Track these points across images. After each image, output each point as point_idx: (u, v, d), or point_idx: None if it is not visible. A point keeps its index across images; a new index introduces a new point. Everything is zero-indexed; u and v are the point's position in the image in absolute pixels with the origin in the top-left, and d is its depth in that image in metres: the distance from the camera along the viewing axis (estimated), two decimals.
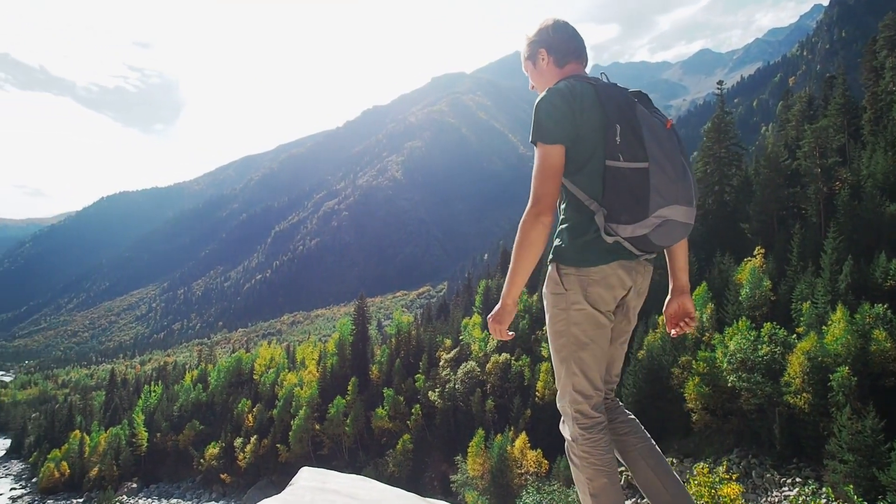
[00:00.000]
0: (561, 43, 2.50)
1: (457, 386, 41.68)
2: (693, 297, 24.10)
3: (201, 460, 53.31)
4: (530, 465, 32.63)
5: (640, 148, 2.17)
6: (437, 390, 42.46)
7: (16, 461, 71.94)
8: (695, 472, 15.12)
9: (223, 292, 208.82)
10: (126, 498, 52.57)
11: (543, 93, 2.35)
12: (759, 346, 27.51)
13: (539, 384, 35.93)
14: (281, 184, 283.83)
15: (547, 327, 2.45)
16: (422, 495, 3.35)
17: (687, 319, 2.63)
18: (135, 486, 55.36)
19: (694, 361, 29.09)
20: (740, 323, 28.75)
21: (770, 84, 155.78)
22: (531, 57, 2.56)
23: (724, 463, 23.38)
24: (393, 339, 52.01)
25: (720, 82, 46.91)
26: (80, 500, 54.80)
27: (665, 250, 2.53)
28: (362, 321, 52.87)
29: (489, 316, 2.43)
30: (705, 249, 36.56)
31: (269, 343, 78.85)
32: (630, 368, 31.42)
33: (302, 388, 50.42)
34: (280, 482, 47.65)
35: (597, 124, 2.25)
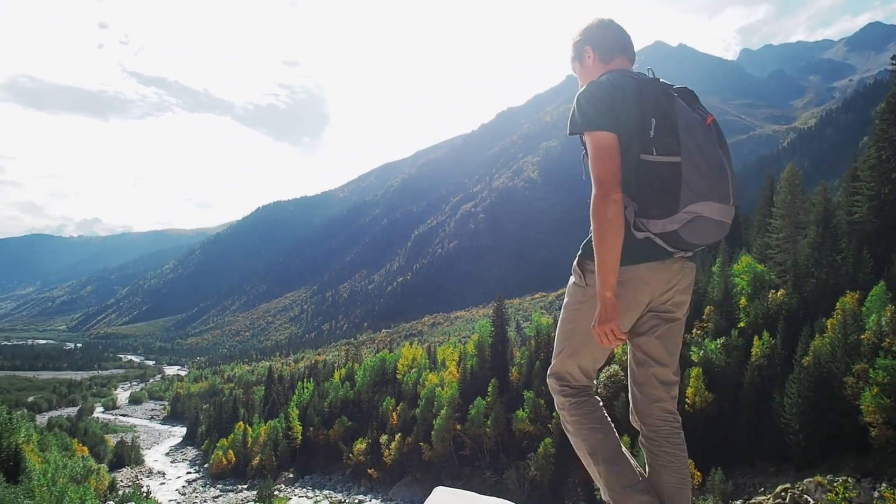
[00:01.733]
0: (605, 39, 2.50)
1: (599, 390, 40.56)
2: (869, 297, 21.74)
3: (350, 455, 55.65)
4: None
5: (675, 142, 2.17)
6: None
7: (190, 448, 78.71)
8: (876, 495, 13.59)
9: (367, 294, 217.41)
10: (283, 487, 55.94)
11: (582, 87, 2.35)
12: None
13: (689, 391, 33.97)
14: (419, 188, 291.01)
15: (563, 306, 2.49)
16: (564, 501, 3.18)
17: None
18: (291, 476, 58.72)
19: (871, 370, 26.07)
20: None
21: None
22: (577, 56, 2.58)
23: None
24: (532, 341, 51.50)
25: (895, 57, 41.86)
26: (245, 486, 58.73)
27: None
28: (501, 323, 52.85)
29: (593, 325, 2.27)
30: (882, 245, 32.76)
31: (411, 343, 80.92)
32: (794, 376, 28.94)
33: (443, 389, 51.20)
34: (423, 480, 48.76)
35: (635, 118, 2.24)
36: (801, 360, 29.32)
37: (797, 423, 27.91)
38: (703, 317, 39.00)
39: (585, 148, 2.35)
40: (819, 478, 24.14)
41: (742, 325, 35.83)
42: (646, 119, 2.23)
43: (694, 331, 38.73)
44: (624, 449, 2.55)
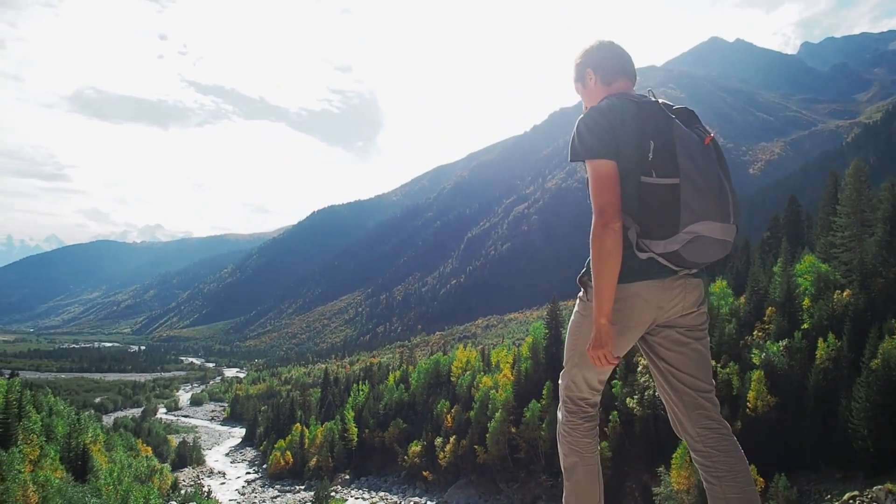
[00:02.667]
0: (606, 62, 2.57)
1: (657, 393, 39.63)
2: None
3: (405, 457, 56.01)
4: None
5: (673, 164, 2.24)
6: (635, 397, 40.71)
7: (249, 448, 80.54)
8: None
9: (421, 297, 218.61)
10: (340, 488, 56.71)
11: (583, 114, 2.45)
12: None
13: (750, 394, 32.93)
14: (472, 191, 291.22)
15: (570, 321, 2.62)
16: None
17: None
18: (347, 477, 59.49)
19: None
20: None
21: None
22: (580, 78, 2.66)
23: None
24: None
25: None
26: (302, 487, 59.75)
27: None
28: (555, 325, 52.34)
29: (588, 347, 2.40)
30: None
31: (465, 346, 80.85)
32: (861, 379, 27.77)
33: (497, 391, 51.02)
34: (478, 482, 48.72)
35: (634, 142, 2.32)
36: (870, 362, 28.12)
37: (866, 429, 26.81)
38: (765, 318, 37.84)
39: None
40: (889, 485, 23.05)
41: (805, 326, 34.64)
42: (645, 142, 2.29)
43: (755, 332, 37.60)
44: (595, 475, 2.70)
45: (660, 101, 2.45)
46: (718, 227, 2.25)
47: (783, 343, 34.22)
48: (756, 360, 34.51)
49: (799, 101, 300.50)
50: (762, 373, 33.05)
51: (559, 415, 2.73)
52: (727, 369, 36.42)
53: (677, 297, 2.41)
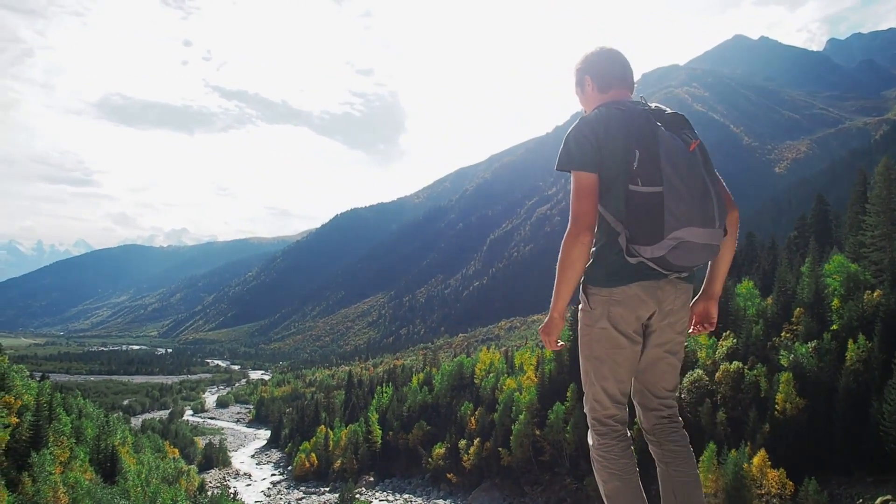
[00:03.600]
0: (604, 70, 2.65)
1: (683, 395, 39.22)
2: None
3: (429, 459, 56.03)
4: (772, 486, 29.37)
5: (656, 172, 2.31)
6: None
7: (275, 450, 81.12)
8: None
9: (444, 299, 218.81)
10: (364, 490, 56.88)
11: (573, 126, 2.52)
12: None
13: (779, 396, 32.39)
14: (494, 192, 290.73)
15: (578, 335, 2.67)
16: None
17: (706, 324, 2.83)
18: (372, 479, 59.66)
19: None
20: None
21: None
22: (579, 83, 2.73)
23: None
24: None
25: None
26: (327, 489, 60.06)
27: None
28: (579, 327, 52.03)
29: (540, 328, 2.69)
30: None
31: (488, 348, 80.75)
32: (893, 381, 27.18)
33: (521, 394, 50.86)
34: (503, 485, 48.55)
35: (620, 150, 2.40)
36: None
37: None
38: (793, 319, 37.24)
39: None
40: None
41: (835, 327, 34.04)
42: (630, 152, 2.36)
43: (783, 334, 37.02)
44: (640, 498, 2.72)
45: (652, 105, 2.51)
46: (702, 232, 2.33)
47: (812, 344, 33.65)
48: (784, 362, 33.98)
49: (825, 98, 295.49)
50: (790, 375, 32.55)
51: (590, 441, 2.73)
52: (755, 371, 35.91)
53: (668, 299, 2.53)
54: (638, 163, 2.33)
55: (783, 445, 31.42)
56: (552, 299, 2.55)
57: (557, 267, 2.49)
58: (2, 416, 31.35)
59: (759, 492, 29.74)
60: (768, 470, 29.97)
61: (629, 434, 2.71)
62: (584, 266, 2.49)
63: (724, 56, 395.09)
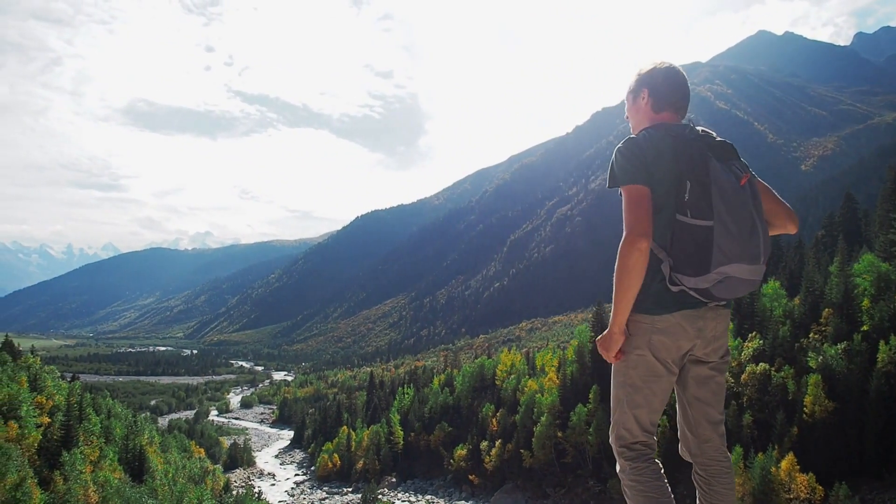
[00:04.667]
0: (665, 90, 2.60)
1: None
2: None
3: (451, 460, 56.02)
4: (801, 491, 28.83)
5: (707, 206, 2.32)
6: None
7: (298, 450, 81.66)
8: None
9: (465, 300, 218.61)
10: (386, 490, 57.02)
11: (621, 143, 2.52)
12: None
13: (807, 399, 31.87)
14: (514, 193, 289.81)
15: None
16: None
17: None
18: (394, 480, 59.79)
19: None
20: None
21: None
22: (634, 92, 2.70)
23: None
24: None
25: None
26: (349, 490, 60.30)
27: None
28: (601, 328, 51.58)
29: (598, 339, 2.60)
30: None
31: (510, 349, 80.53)
32: None
33: (543, 395, 50.64)
34: (525, 487, 48.38)
35: (669, 178, 2.41)
36: None
37: None
38: (821, 320, 36.62)
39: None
40: None
41: (865, 328, 33.41)
42: (681, 181, 2.37)
43: (811, 335, 36.42)
44: None
45: (700, 130, 2.51)
46: (748, 268, 2.35)
47: (841, 346, 33.07)
48: (813, 364, 33.44)
49: (853, 93, 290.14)
50: (819, 377, 32.01)
51: (620, 469, 2.71)
52: (782, 373, 35.36)
53: (710, 325, 2.53)
54: (689, 194, 2.34)
55: (812, 449, 30.92)
56: (612, 314, 2.50)
57: (615, 279, 2.44)
58: (34, 416, 31.95)
59: (787, 496, 29.27)
60: (797, 474, 29.46)
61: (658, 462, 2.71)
62: (643, 275, 2.42)
63: (747, 52, 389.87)
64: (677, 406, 2.85)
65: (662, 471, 2.68)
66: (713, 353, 2.61)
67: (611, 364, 2.68)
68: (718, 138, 2.51)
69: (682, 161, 2.38)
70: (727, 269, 2.31)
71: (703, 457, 2.80)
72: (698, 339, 2.52)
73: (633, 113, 2.73)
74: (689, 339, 2.51)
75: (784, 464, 29.89)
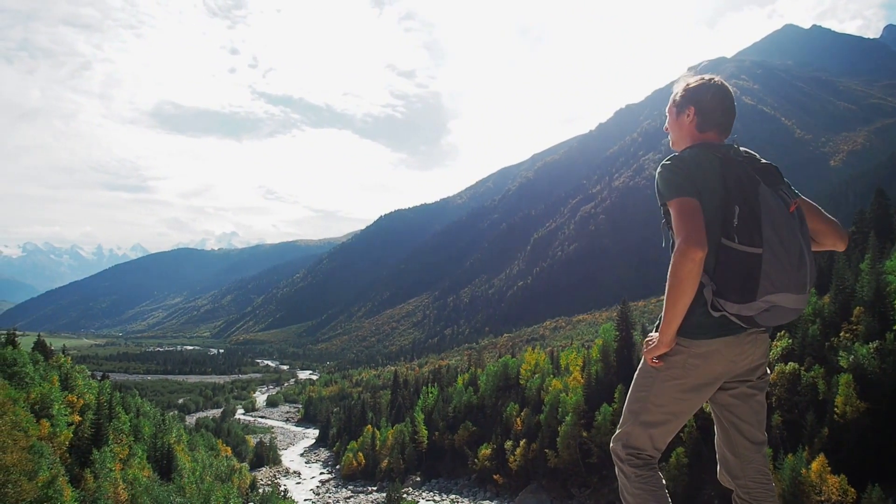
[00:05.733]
0: (712, 110, 2.52)
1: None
2: None
3: (475, 460, 55.96)
4: (832, 493, 28.23)
5: (757, 233, 2.27)
6: None
7: (323, 449, 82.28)
8: None
9: (488, 299, 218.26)
10: (411, 490, 57.15)
11: (666, 160, 2.44)
12: None
13: (839, 399, 31.26)
14: (537, 192, 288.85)
15: (637, 370, 2.62)
16: None
17: None
18: (418, 479, 59.91)
19: None
20: None
21: None
22: (679, 107, 2.60)
23: None
24: None
25: None
26: (374, 488, 60.57)
27: None
28: (626, 327, 51.26)
29: (646, 340, 2.56)
30: None
31: (534, 348, 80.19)
32: None
33: (567, 395, 50.36)
34: (550, 487, 48.15)
35: (716, 200, 2.35)
36: None
37: None
38: (852, 318, 35.91)
39: (665, 217, 2.47)
40: None
41: None
42: (730, 205, 2.31)
43: (841, 334, 35.73)
44: None
45: (744, 151, 2.45)
46: (794, 297, 2.30)
47: (873, 345, 32.40)
48: (844, 363, 32.81)
49: (883, 87, 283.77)
50: (850, 377, 31.39)
51: (622, 478, 2.63)
52: (812, 373, 34.75)
53: (748, 351, 2.48)
54: (738, 219, 2.28)
55: (844, 450, 30.33)
56: (662, 323, 2.43)
57: (667, 289, 2.38)
58: (66, 415, 32.58)
59: (818, 498, 28.71)
60: (828, 476, 28.86)
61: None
62: (696, 287, 2.32)
63: (773, 47, 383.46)
64: (716, 429, 2.75)
65: (664, 480, 2.64)
66: (751, 372, 2.57)
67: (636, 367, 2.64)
68: (763, 161, 2.45)
69: (731, 184, 2.32)
70: (774, 299, 2.26)
71: (746, 479, 2.69)
72: (735, 363, 2.49)
73: (676, 129, 2.66)
74: (725, 364, 2.47)
75: (815, 465, 29.31)
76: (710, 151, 2.42)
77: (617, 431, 2.67)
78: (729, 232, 2.30)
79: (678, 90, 2.63)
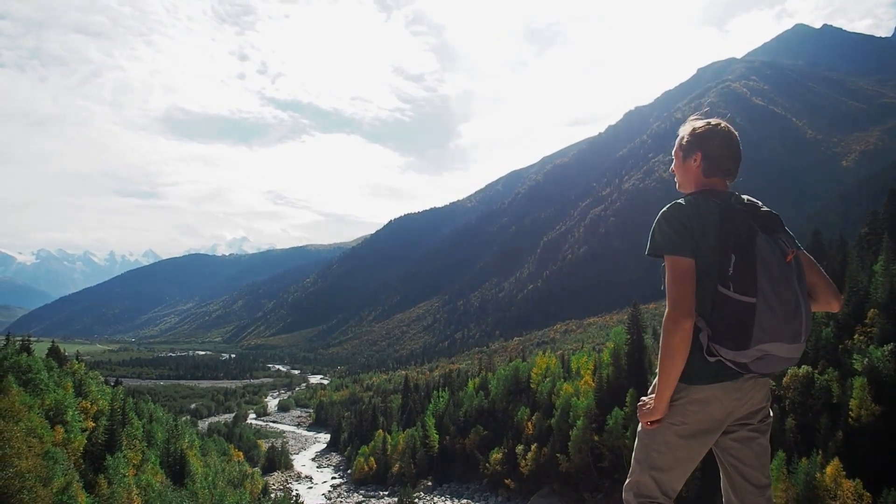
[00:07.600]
0: (719, 157, 2.56)
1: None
2: None
3: (486, 464, 55.86)
4: (847, 497, 27.95)
5: (752, 283, 2.29)
6: None
7: (334, 453, 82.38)
8: None
9: (498, 303, 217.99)
10: (422, 494, 57.13)
11: (666, 208, 2.47)
12: None
13: (853, 402, 30.99)
14: (547, 194, 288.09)
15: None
16: None
17: None
18: (430, 483, 59.90)
19: None
20: None
21: None
22: (686, 151, 2.64)
23: None
24: None
25: None
26: (386, 493, 60.59)
27: None
28: (637, 330, 51.03)
29: (640, 404, 2.60)
30: None
31: (544, 352, 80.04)
32: None
33: (578, 398, 50.19)
34: (562, 491, 48.00)
35: (714, 248, 2.38)
36: None
37: None
38: (866, 321, 35.63)
39: (661, 267, 2.52)
40: None
41: None
42: (726, 253, 2.33)
43: (855, 336, 35.46)
44: None
45: (745, 199, 2.49)
46: (787, 347, 2.32)
47: (888, 347, 32.14)
48: (858, 366, 32.57)
49: (895, 86, 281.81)
50: (865, 380, 31.13)
51: None
52: (825, 376, 34.49)
53: (748, 395, 2.51)
54: (733, 268, 2.30)
55: (859, 454, 30.04)
56: (657, 391, 2.49)
57: (659, 357, 2.43)
58: (80, 421, 32.84)
59: (833, 503, 28.48)
60: (843, 480, 28.57)
61: None
62: (686, 355, 2.39)
63: (783, 47, 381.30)
64: (721, 472, 2.77)
65: None
66: (751, 416, 2.59)
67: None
68: (764, 208, 2.47)
69: (728, 233, 2.35)
70: (767, 348, 2.29)
71: None
72: (735, 408, 2.51)
73: (682, 172, 2.70)
74: (724, 409, 2.49)
75: (829, 469, 29.03)
76: (710, 199, 2.46)
77: (627, 481, 2.68)
78: (725, 280, 2.33)
79: (685, 133, 2.67)
